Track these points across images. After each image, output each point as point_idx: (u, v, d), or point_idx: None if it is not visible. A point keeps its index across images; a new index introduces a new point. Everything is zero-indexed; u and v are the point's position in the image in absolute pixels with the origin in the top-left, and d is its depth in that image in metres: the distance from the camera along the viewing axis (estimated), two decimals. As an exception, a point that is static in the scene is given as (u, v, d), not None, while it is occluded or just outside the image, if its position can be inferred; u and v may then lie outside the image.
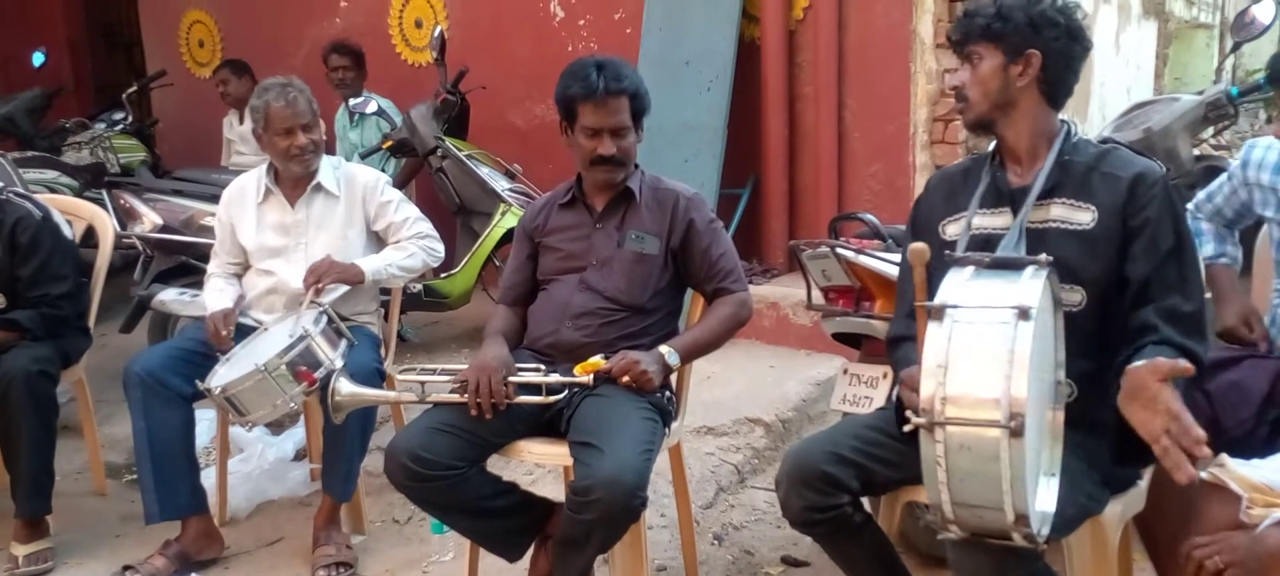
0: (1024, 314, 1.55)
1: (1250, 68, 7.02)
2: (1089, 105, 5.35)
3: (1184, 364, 1.61)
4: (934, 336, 1.58)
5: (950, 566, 1.77)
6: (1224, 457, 1.75)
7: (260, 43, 5.76)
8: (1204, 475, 1.73)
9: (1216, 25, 7.50)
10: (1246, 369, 2.13)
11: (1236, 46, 3.61)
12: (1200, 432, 1.55)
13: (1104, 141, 2.08)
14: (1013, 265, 1.69)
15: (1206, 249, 2.39)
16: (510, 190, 4.38)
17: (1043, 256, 1.67)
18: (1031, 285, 1.62)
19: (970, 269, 1.70)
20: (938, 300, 1.62)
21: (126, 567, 2.81)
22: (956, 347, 1.56)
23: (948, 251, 1.99)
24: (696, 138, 4.35)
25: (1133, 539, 2.15)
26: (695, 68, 4.41)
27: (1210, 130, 3.44)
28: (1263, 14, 3.30)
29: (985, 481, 1.54)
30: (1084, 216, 1.89)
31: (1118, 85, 5.75)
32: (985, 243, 1.91)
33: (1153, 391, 1.60)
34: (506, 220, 4.21)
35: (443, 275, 4.30)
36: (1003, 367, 1.52)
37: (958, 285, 1.66)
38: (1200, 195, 2.46)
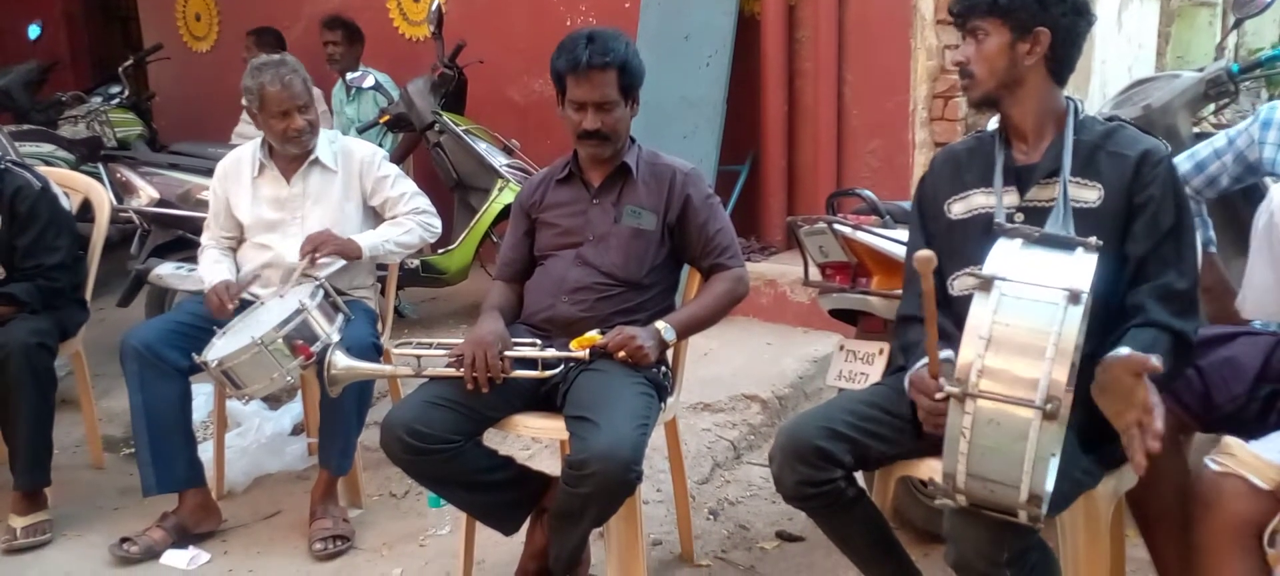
0: (1075, 297, 1.54)
1: (1252, 45, 6.97)
2: (1090, 83, 5.31)
3: (1154, 362, 1.60)
4: (980, 307, 1.58)
5: (946, 535, 1.78)
6: (1229, 441, 1.74)
7: (258, 16, 5.71)
8: (1214, 465, 1.73)
9: (1218, 3, 7.45)
10: (1240, 344, 2.12)
11: (1238, 23, 3.57)
12: (1160, 429, 1.58)
13: (1109, 119, 2.07)
14: (1062, 243, 1.68)
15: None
16: (508, 165, 4.37)
17: (1092, 239, 1.66)
18: (1083, 267, 1.60)
19: (1019, 240, 1.69)
20: (986, 270, 1.61)
21: (124, 539, 2.82)
22: (1002, 321, 1.56)
23: (958, 227, 2.00)
24: (695, 113, 4.33)
25: (1125, 514, 2.16)
26: (694, 42, 4.38)
27: (1211, 107, 3.41)
28: (1265, -9, 3.27)
29: (1007, 458, 1.54)
30: (1091, 194, 1.88)
31: (1119, 63, 5.71)
32: (990, 222, 1.90)
33: (1128, 385, 1.61)
34: (504, 196, 4.20)
35: (440, 251, 4.30)
36: (1047, 349, 1.52)
37: (1007, 256, 1.65)
38: (1184, 167, 2.38)
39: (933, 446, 1.86)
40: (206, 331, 2.78)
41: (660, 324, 2.36)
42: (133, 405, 2.79)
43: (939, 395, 1.62)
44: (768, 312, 4.21)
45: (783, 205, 4.51)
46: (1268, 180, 2.51)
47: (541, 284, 2.49)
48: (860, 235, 2.49)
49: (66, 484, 3.23)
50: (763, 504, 3.05)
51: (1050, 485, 1.61)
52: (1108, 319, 1.84)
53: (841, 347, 2.57)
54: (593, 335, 2.32)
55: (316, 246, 2.83)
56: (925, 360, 1.85)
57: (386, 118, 4.58)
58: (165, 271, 3.84)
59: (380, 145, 4.57)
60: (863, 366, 2.50)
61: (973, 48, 1.93)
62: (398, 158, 4.76)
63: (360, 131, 4.68)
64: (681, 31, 4.41)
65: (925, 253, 1.66)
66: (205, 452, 3.09)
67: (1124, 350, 1.65)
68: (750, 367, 3.73)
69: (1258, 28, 7.39)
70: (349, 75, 4.84)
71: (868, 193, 2.73)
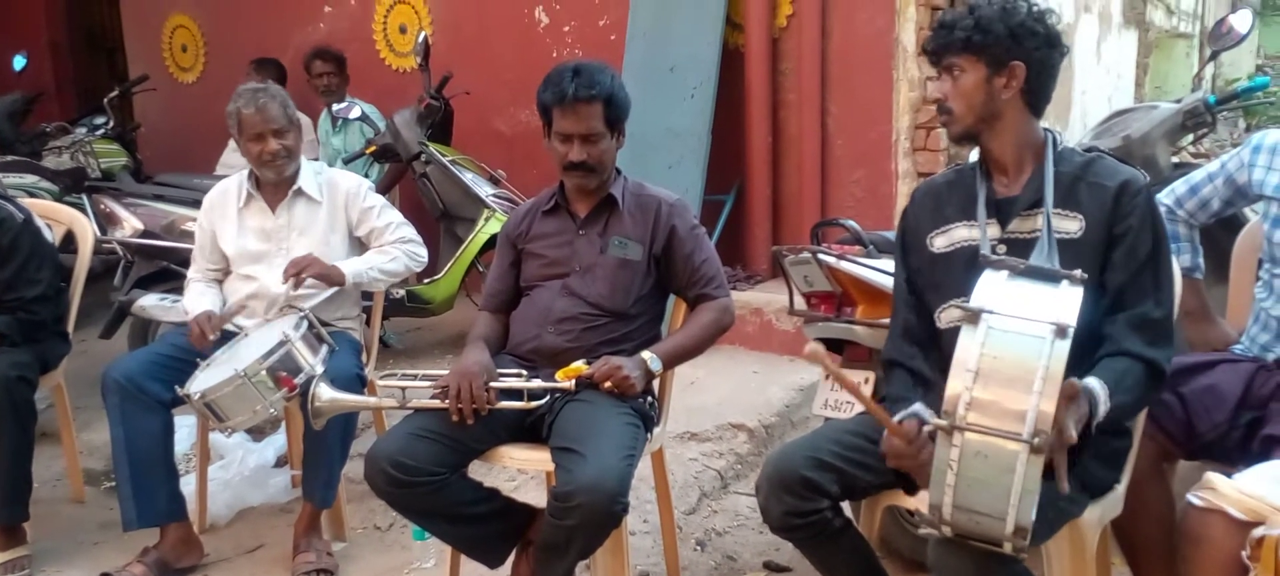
0: (1062, 331, 1.55)
1: (1229, 76, 7.09)
2: (1070, 113, 5.39)
3: (1073, 384, 1.60)
4: (967, 340, 1.58)
5: (930, 565, 1.78)
6: (1211, 476, 1.75)
7: (244, 48, 5.73)
8: (1196, 500, 1.74)
9: (1196, 34, 7.57)
10: (1221, 372, 2.14)
11: (1214, 55, 3.63)
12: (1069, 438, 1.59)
13: (1088, 150, 2.09)
14: (1048, 275, 1.69)
15: (1183, 259, 2.40)
16: (494, 196, 4.38)
17: (1078, 272, 1.68)
18: (1069, 300, 1.61)
19: (1005, 272, 1.70)
20: (973, 303, 1.62)
21: (104, 575, 2.78)
22: (990, 354, 1.56)
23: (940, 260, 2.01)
24: (681, 144, 4.36)
25: (1110, 543, 2.16)
26: (679, 74, 4.42)
27: (1189, 138, 3.45)
28: (1240, 23, 3.32)
29: (995, 491, 1.54)
30: (1072, 226, 1.90)
31: (1099, 94, 5.80)
32: (973, 255, 1.92)
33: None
34: (490, 226, 4.21)
35: (426, 281, 4.29)
36: (1035, 382, 1.52)
37: (993, 288, 1.66)
38: (1180, 190, 2.41)
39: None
40: (189, 363, 2.76)
41: (646, 354, 2.36)
42: (114, 438, 2.76)
43: (927, 428, 1.61)
44: (754, 342, 4.22)
45: (768, 235, 4.53)
46: (1248, 211, 2.55)
47: (527, 314, 2.49)
48: (844, 265, 2.50)
49: (46, 518, 3.19)
50: (750, 534, 3.04)
51: (1034, 515, 1.61)
52: (1088, 348, 1.85)
53: (827, 377, 2.58)
54: (579, 366, 2.32)
55: (301, 269, 2.82)
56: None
57: (372, 148, 4.59)
58: (148, 303, 3.82)
59: (366, 176, 4.57)
60: (848, 395, 2.50)
61: (949, 84, 1.95)
62: (383, 188, 4.76)
63: (346, 162, 4.69)
64: (667, 64, 4.44)
65: (810, 346, 1.64)
66: (187, 485, 3.06)
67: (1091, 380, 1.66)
68: (737, 397, 3.73)
69: (1234, 59, 7.52)
70: (335, 106, 4.86)
71: (851, 222, 2.75)
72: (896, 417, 1.85)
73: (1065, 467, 1.62)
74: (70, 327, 3.26)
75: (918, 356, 2.03)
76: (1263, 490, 1.69)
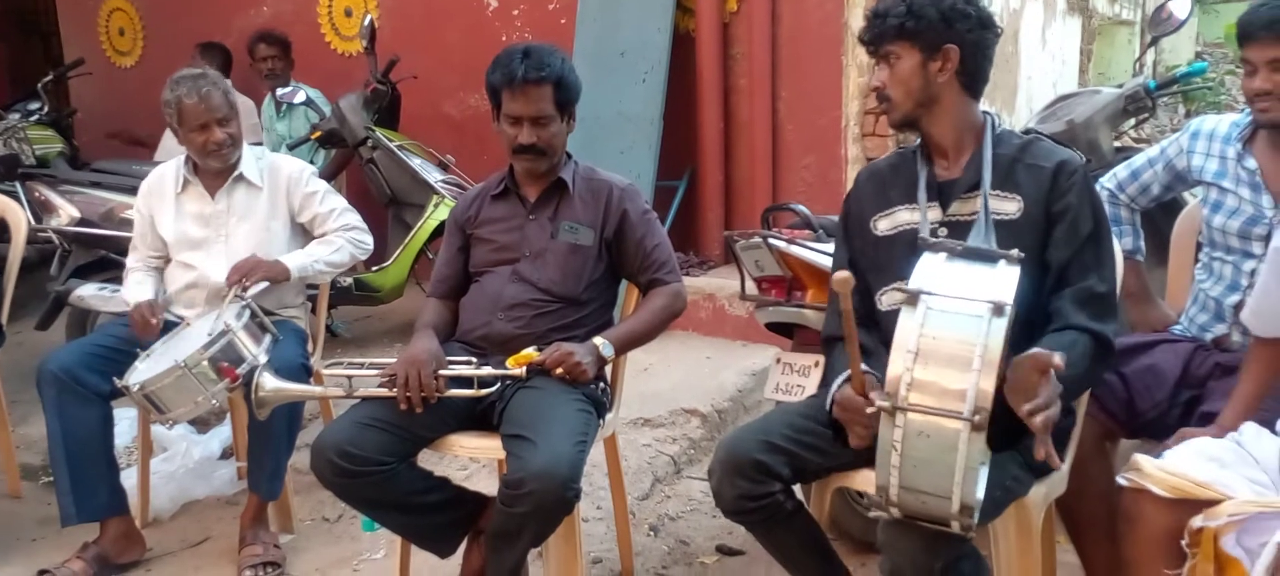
0: (999, 309, 1.57)
1: (1169, 62, 7.24)
2: (1016, 98, 5.46)
3: (1057, 359, 1.61)
4: (907, 321, 1.59)
5: (881, 546, 1.80)
6: (1137, 457, 1.79)
7: (184, 31, 5.60)
8: (1124, 482, 1.77)
9: (1137, 21, 7.72)
10: (1160, 352, 2.19)
11: (1154, 41, 3.70)
12: (1052, 416, 1.61)
13: (1027, 132, 2.11)
14: (985, 256, 1.71)
15: (1125, 242, 2.44)
16: (443, 181, 4.32)
17: (1014, 251, 1.69)
18: (1006, 279, 1.63)
19: (944, 254, 1.71)
20: (912, 285, 1.63)
21: (42, 571, 2.72)
22: (929, 334, 1.58)
23: (881, 245, 2.03)
24: (632, 129, 4.34)
25: (1055, 520, 2.20)
26: (630, 59, 4.39)
27: (1130, 122, 3.52)
28: (1178, 9, 3.39)
29: (938, 470, 1.55)
30: (1010, 206, 1.92)
31: (1044, 80, 5.88)
32: (914, 238, 1.93)
33: (1033, 382, 1.62)
34: (439, 212, 4.16)
35: (374, 268, 4.23)
36: (973, 361, 1.54)
37: (932, 270, 1.67)
38: (1121, 175, 2.47)
39: (868, 457, 1.88)
40: (129, 354, 2.69)
41: (598, 340, 2.35)
42: (50, 432, 2.69)
43: (870, 410, 1.63)
44: (706, 327, 4.23)
45: (720, 220, 4.53)
46: (1187, 194, 2.60)
47: (477, 301, 2.46)
48: (794, 249, 2.51)
49: (-20, 515, 3.11)
50: (703, 518, 3.04)
51: (981, 494, 1.63)
52: (1033, 326, 1.88)
53: (778, 360, 2.59)
54: (530, 352, 2.30)
55: (244, 274, 2.75)
56: (845, 376, 1.86)
57: (318, 134, 4.51)
58: (87, 293, 3.71)
59: (312, 162, 4.49)
60: (799, 379, 2.52)
61: (887, 72, 1.97)
62: (330, 174, 4.68)
63: (291, 148, 4.61)
64: (617, 48, 4.42)
65: (842, 273, 1.66)
66: (129, 478, 2.98)
67: (1033, 349, 1.67)
68: (689, 382, 3.74)
69: (1174, 45, 7.68)
70: (279, 91, 4.76)
71: (801, 207, 2.76)
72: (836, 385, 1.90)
73: (1050, 443, 1.62)
74: (4, 319, 3.18)
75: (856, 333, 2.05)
76: (1186, 468, 1.72)
